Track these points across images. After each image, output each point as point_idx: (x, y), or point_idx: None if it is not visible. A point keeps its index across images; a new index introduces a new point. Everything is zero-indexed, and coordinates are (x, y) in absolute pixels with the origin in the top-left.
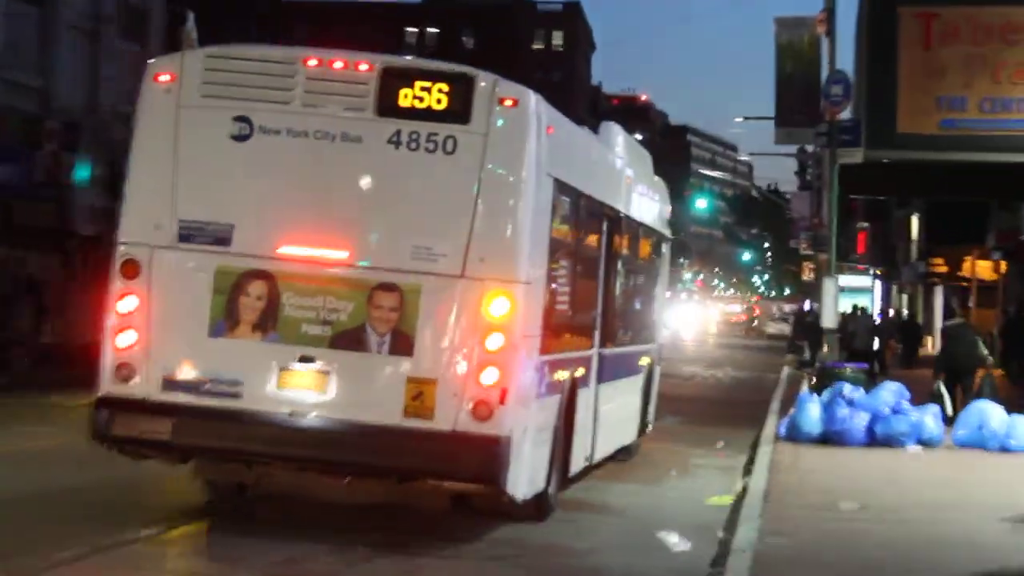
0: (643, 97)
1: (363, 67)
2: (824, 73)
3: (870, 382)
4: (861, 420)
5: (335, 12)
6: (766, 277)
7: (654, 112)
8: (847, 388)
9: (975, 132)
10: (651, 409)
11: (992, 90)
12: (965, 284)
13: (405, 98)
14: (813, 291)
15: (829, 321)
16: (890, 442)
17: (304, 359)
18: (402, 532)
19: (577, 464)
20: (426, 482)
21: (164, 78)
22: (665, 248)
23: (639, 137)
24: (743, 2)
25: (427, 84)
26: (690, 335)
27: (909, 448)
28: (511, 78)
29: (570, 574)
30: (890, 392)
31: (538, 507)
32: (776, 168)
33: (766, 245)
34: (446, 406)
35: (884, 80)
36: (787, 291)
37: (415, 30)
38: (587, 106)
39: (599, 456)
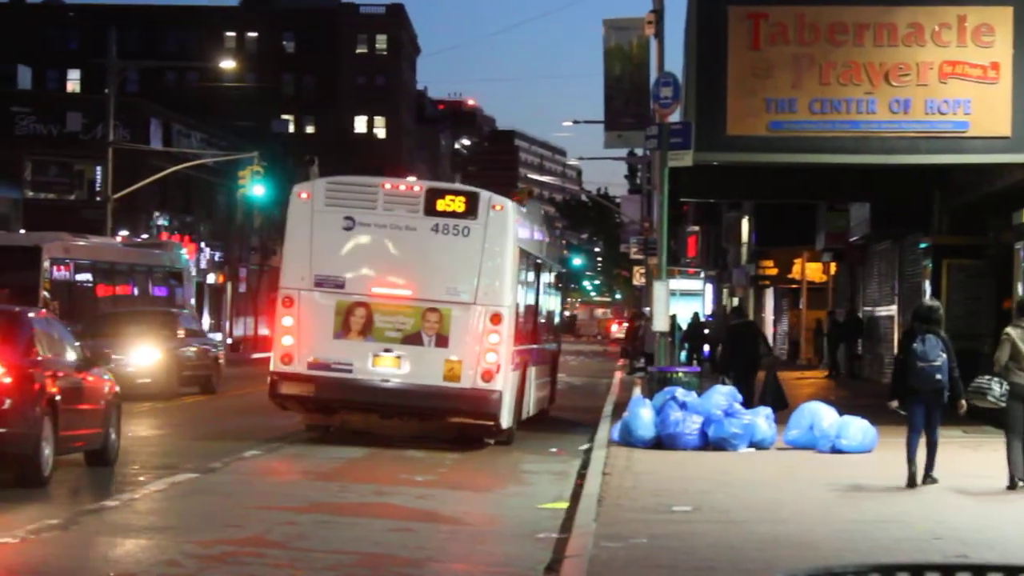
0: (470, 102)
1: (416, 188)
2: (653, 76)
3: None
4: (694, 423)
5: (162, 17)
6: (597, 282)
7: (481, 117)
8: (680, 392)
9: (804, 133)
10: (555, 386)
11: (821, 91)
12: (795, 286)
13: (440, 205)
14: (645, 295)
15: (660, 325)
16: (723, 445)
17: (386, 350)
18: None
19: (526, 412)
20: (452, 419)
21: (304, 195)
22: (562, 279)
23: (466, 142)
24: (571, 6)
25: (452, 197)
26: None
27: (742, 450)
28: (333, 83)
29: None
30: (722, 395)
31: (509, 435)
32: (606, 172)
33: (597, 250)
34: (467, 375)
35: (713, 82)
36: (618, 296)
37: (233, 34)
38: (413, 111)
39: (534, 411)
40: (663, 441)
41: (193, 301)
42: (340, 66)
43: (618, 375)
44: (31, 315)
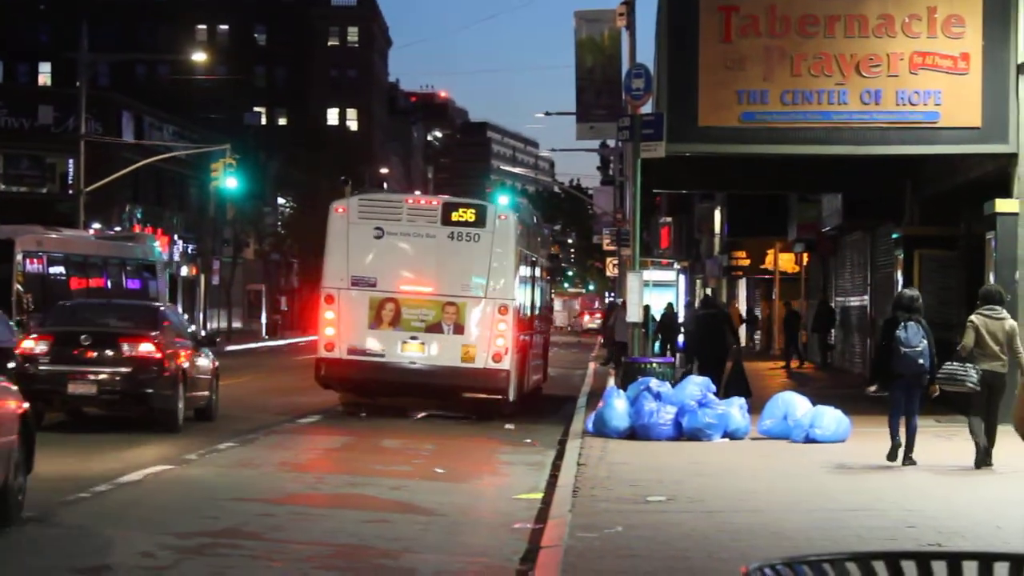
0: (442, 94)
1: (434, 202)
2: (625, 67)
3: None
4: (668, 414)
5: (134, 10)
6: (570, 273)
7: (453, 109)
8: (654, 382)
9: (776, 125)
10: (547, 366)
11: (792, 83)
12: (768, 276)
13: (455, 216)
14: (618, 286)
15: (634, 315)
16: (697, 435)
17: (413, 338)
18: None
19: (526, 387)
20: (467, 395)
21: (340, 210)
22: (551, 273)
23: (438, 134)
24: None
25: (465, 209)
26: None
27: (716, 440)
28: (305, 75)
29: (385, 574)
30: (696, 386)
31: (514, 404)
32: (579, 164)
33: (570, 241)
34: (480, 357)
35: (685, 74)
36: (591, 287)
37: (204, 27)
38: (385, 103)
39: (531, 387)
40: (637, 432)
41: (167, 293)
42: (312, 58)
43: (592, 366)
44: (164, 308)
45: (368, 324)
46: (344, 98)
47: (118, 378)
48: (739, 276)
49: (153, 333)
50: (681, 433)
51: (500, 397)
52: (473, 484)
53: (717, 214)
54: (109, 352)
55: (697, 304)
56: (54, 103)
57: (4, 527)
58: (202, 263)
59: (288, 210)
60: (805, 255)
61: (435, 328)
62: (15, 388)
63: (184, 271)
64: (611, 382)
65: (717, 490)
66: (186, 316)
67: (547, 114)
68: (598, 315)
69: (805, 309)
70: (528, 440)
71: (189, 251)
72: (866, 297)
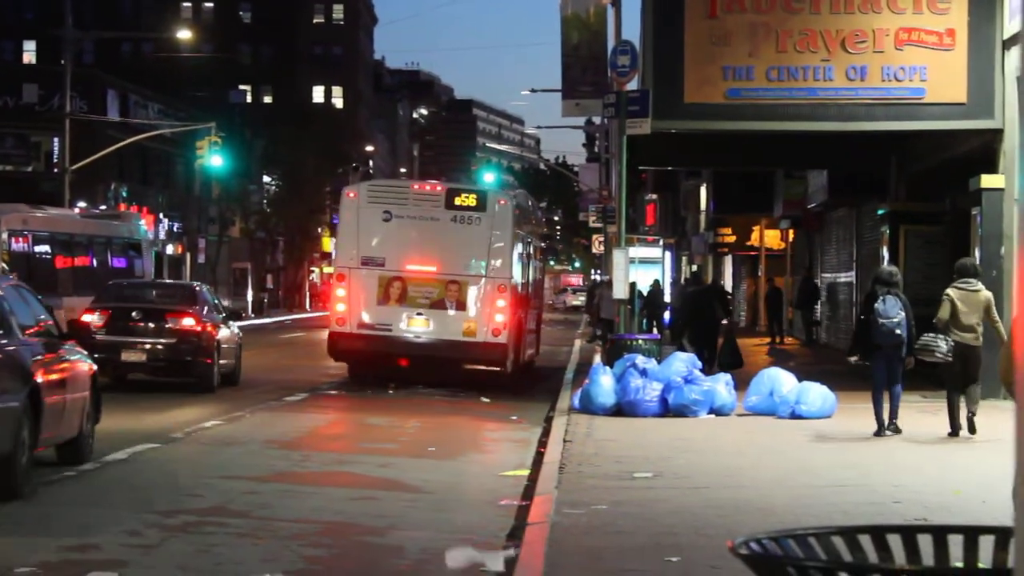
0: (428, 71)
1: (438, 188)
2: (610, 44)
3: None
4: (654, 390)
5: None
6: (556, 250)
7: (439, 87)
8: (640, 359)
9: (761, 101)
10: (540, 340)
11: (778, 59)
12: (753, 253)
13: (457, 201)
14: (604, 263)
15: (620, 292)
16: (683, 411)
17: (418, 314)
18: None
19: (522, 359)
20: (468, 366)
21: (351, 195)
22: (544, 253)
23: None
24: None
25: (466, 195)
26: None
27: (702, 416)
28: (290, 52)
29: (370, 551)
30: (682, 362)
31: (511, 376)
32: (564, 141)
33: (556, 219)
34: (481, 331)
35: (670, 50)
36: (577, 264)
37: (189, 5)
38: (370, 80)
39: (525, 360)
40: (623, 408)
41: (152, 272)
42: (297, 36)
43: (577, 343)
44: (200, 287)
45: (377, 301)
46: (329, 76)
47: (164, 347)
48: (725, 253)
49: (193, 309)
50: (667, 410)
51: (499, 368)
52: (460, 461)
53: (703, 191)
54: (156, 325)
55: (684, 281)
56: (39, 81)
57: (79, 464)
58: (188, 241)
59: (274, 188)
60: (791, 232)
61: (439, 305)
62: (85, 353)
63: (170, 249)
64: (597, 359)
65: (703, 466)
66: None
67: (533, 91)
68: (581, 295)
69: (791, 286)
70: (514, 417)
71: (175, 229)
72: (852, 273)
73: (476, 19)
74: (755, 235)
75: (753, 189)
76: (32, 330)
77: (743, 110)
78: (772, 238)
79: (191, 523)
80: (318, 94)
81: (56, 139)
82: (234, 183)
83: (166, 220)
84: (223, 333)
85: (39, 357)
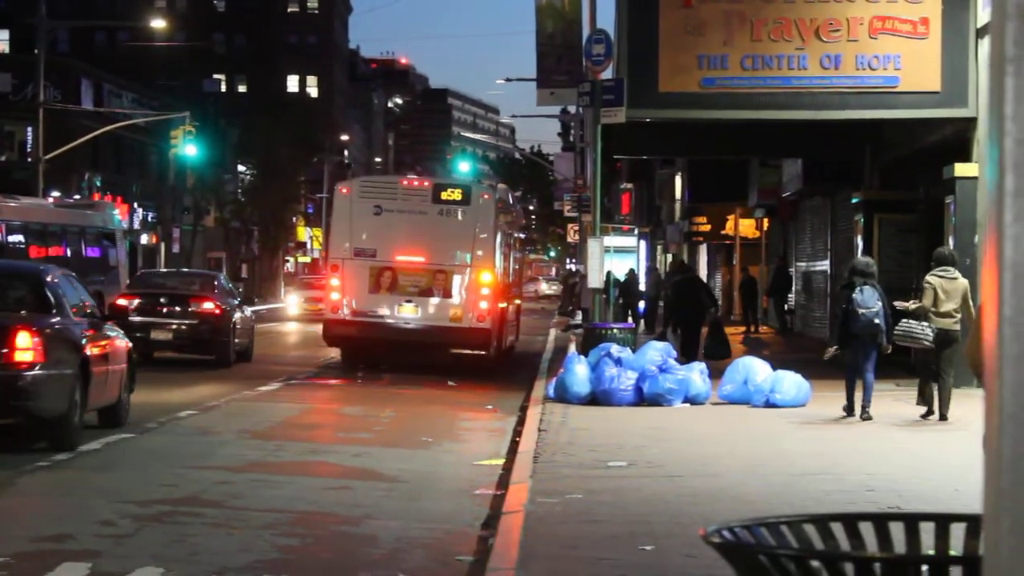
0: (403, 60)
1: (425, 183)
2: (585, 32)
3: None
4: (629, 379)
5: None
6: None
7: (414, 76)
8: (615, 348)
9: (736, 90)
10: (519, 327)
11: (752, 47)
12: (728, 242)
13: (443, 195)
14: (579, 253)
15: (595, 281)
16: (658, 400)
17: (407, 301)
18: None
19: (504, 344)
20: (454, 350)
21: (344, 190)
22: (524, 244)
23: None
24: None
25: (452, 189)
26: None
27: (677, 405)
28: (265, 41)
29: (345, 541)
30: (657, 351)
31: (495, 359)
32: (539, 130)
33: (531, 208)
34: (466, 317)
35: (645, 39)
36: (552, 253)
37: None
38: (345, 70)
39: (507, 345)
40: (598, 397)
41: (127, 262)
42: (271, 25)
43: (552, 332)
44: (219, 275)
45: (368, 289)
46: (304, 65)
47: (188, 327)
48: (700, 242)
49: (212, 294)
50: (642, 399)
51: (483, 352)
52: (434, 451)
53: (678, 180)
54: (180, 308)
55: (668, 270)
56: (12, 70)
57: (117, 427)
58: (162, 231)
59: (248, 177)
60: (766, 220)
61: (427, 293)
62: (122, 332)
63: (144, 239)
64: (572, 348)
65: (678, 455)
66: None
67: (508, 80)
68: (554, 285)
69: (766, 274)
70: (489, 406)
71: (149, 219)
72: (826, 262)
73: (451, 8)
74: (730, 224)
75: (728, 178)
76: (79, 311)
77: (718, 99)
78: (747, 227)
79: (166, 513)
80: (293, 83)
81: (30, 128)
82: (209, 172)
83: (140, 209)
84: (238, 316)
85: (87, 334)
